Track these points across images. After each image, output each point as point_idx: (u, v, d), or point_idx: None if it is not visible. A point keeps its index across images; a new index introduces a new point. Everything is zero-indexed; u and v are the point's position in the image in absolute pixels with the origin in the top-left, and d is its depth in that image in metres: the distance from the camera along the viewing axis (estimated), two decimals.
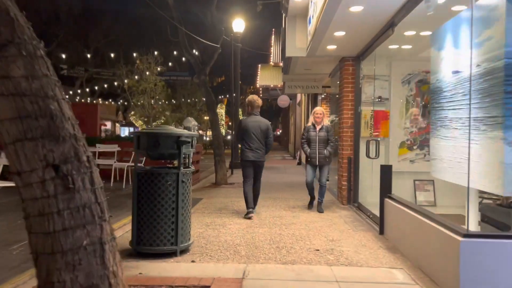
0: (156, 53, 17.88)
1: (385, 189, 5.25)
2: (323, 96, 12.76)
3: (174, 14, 11.02)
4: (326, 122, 6.85)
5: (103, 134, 27.19)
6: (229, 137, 42.37)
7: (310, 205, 7.18)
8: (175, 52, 17.05)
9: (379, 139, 6.80)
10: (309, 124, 6.88)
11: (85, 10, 26.45)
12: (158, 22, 17.82)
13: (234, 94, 15.80)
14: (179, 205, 4.27)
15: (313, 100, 13.54)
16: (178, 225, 4.27)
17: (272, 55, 15.46)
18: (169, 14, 11.14)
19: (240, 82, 35.31)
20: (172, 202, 4.24)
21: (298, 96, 21.28)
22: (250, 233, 5.32)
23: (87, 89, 27.57)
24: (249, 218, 6.20)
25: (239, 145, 6.85)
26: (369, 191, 7.44)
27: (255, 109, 6.51)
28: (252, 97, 6.74)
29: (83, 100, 28.25)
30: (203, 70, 11.43)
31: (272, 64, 15.48)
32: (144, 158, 8.49)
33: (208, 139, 46.26)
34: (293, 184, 10.90)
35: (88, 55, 24.42)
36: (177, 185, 4.25)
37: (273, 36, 16.75)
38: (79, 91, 27.43)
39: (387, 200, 5.19)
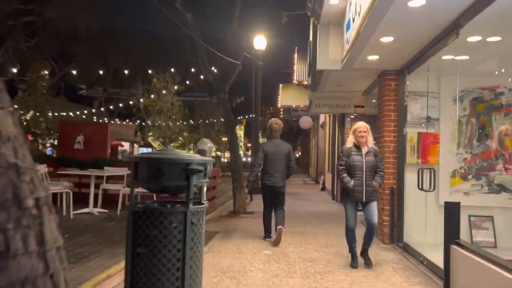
0: (172, 70, 17.14)
1: (452, 233, 4.09)
2: (352, 116, 11.68)
3: (192, 29, 10.25)
4: (371, 142, 5.12)
5: (119, 156, 26.53)
6: (249, 159, 41.46)
7: (354, 263, 5.08)
8: (193, 70, 16.28)
9: (433, 167, 5.66)
10: (349, 145, 5.13)
11: (105, 29, 26.20)
12: (178, 41, 17.31)
13: (254, 115, 14.86)
14: (187, 255, 3.21)
15: (340, 122, 12.47)
16: (184, 281, 3.20)
17: (295, 73, 14.58)
18: (188, 29, 10.37)
19: (260, 103, 34.59)
20: (177, 251, 3.18)
21: (321, 117, 20.23)
22: (278, 285, 4.21)
23: (102, 109, 27.07)
24: (276, 244, 6.08)
25: (254, 169, 6.66)
26: (416, 228, 6.26)
27: (275, 133, 6.47)
28: (273, 120, 6.69)
29: (100, 121, 27.78)
30: (223, 87, 10.54)
31: (296, 82, 14.59)
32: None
33: (226, 160, 45.46)
34: (320, 214, 9.73)
35: (103, 74, 24.00)
36: (184, 228, 3.20)
37: (296, 54, 15.95)
38: (94, 110, 26.92)
39: (454, 248, 4.03)
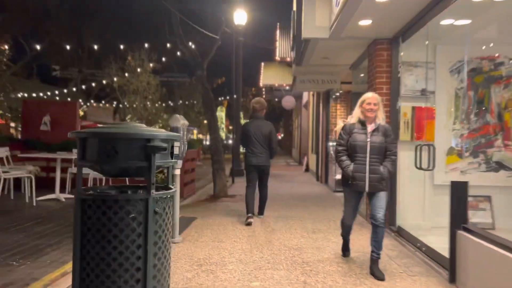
0: (146, 45, 16.14)
1: (459, 217, 3.61)
2: (338, 94, 11.14)
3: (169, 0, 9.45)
4: (382, 118, 4.11)
5: None
6: (230, 141, 40.83)
7: (346, 252, 4.53)
8: (168, 45, 15.38)
9: (433, 143, 5.16)
10: (353, 121, 4.17)
11: (78, 4, 24.79)
12: (156, 16, 16.31)
13: (235, 96, 14.21)
14: (149, 252, 2.62)
15: (325, 100, 11.94)
16: (147, 283, 2.62)
17: (277, 50, 13.93)
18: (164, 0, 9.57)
19: (242, 83, 33.81)
20: (137, 247, 2.59)
21: (305, 97, 19.68)
22: (261, 279, 3.67)
23: (74, 89, 25.69)
24: (249, 224, 6.02)
25: (242, 150, 6.84)
26: (410, 210, 5.81)
27: (258, 112, 6.43)
28: (254, 100, 6.70)
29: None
30: (201, 64, 9.83)
31: (278, 59, 13.94)
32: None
33: (207, 143, 44.75)
34: (305, 196, 9.24)
35: (78, 54, 22.79)
36: (146, 219, 2.61)
37: (278, 31, 15.25)
38: (66, 91, 25.55)
39: (462, 233, 3.55)
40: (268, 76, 17.38)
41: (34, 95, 23.81)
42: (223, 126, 40.41)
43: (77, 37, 26.56)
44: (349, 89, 11.02)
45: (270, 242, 4.99)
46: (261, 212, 6.68)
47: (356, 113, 4.16)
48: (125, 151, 2.60)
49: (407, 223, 5.72)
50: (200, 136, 70.66)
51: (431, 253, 4.36)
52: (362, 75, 7.98)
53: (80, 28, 26.26)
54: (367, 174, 3.95)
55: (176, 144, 4.82)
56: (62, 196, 7.70)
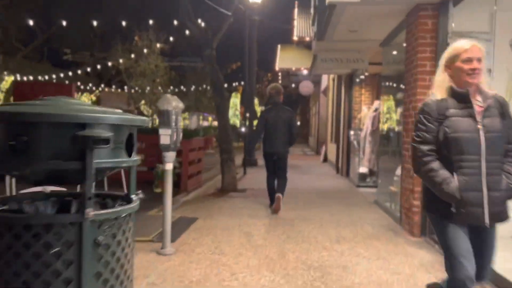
0: (152, 23, 15.01)
1: None
2: (363, 77, 9.97)
3: None
4: (488, 86, 2.34)
5: None
6: (243, 129, 39.94)
7: None
8: (175, 22, 14.36)
9: None
10: (442, 95, 2.32)
11: None
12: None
13: (248, 79, 13.12)
14: None
15: (347, 84, 10.78)
16: None
17: (295, 29, 12.79)
18: None
19: (256, 68, 32.63)
20: None
21: (323, 82, 18.46)
22: None
23: (79, 72, 24.80)
24: (275, 211, 5.92)
25: (254, 136, 6.84)
26: None
27: (274, 98, 6.26)
28: (272, 85, 6.56)
29: (88, 88, 25.90)
30: (210, 42, 8.79)
31: (296, 39, 12.80)
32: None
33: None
34: (325, 191, 8.18)
35: (89, 37, 21.93)
36: (79, 255, 1.61)
37: (296, 9, 14.09)
38: (77, 73, 24.78)
39: None
40: (285, 60, 16.23)
41: (46, 77, 23.12)
42: (237, 113, 39.41)
43: (88, 19, 25.76)
44: (377, 71, 9.84)
45: (284, 257, 3.98)
46: (280, 190, 6.11)
47: (442, 80, 2.35)
48: (43, 144, 1.59)
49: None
50: (216, 123, 70.15)
51: (497, 279, 3.29)
52: (394, 52, 6.82)
53: (90, 10, 25.43)
54: (485, 193, 2.22)
55: (164, 132, 3.84)
56: None
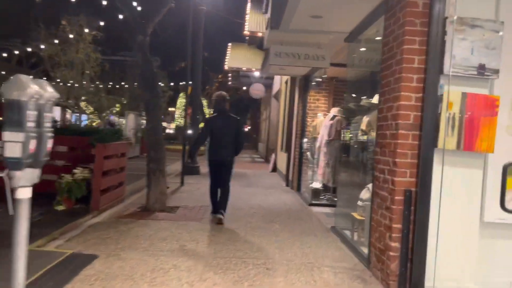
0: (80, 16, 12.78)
1: None
2: (320, 79, 8.81)
3: None
4: None
5: None
6: (190, 131, 38.14)
7: None
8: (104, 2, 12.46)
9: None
10: None
11: None
12: None
13: (191, 74, 11.68)
14: None
15: (302, 88, 9.59)
16: None
17: (247, 23, 11.51)
18: None
19: (206, 68, 31.00)
20: None
21: (275, 85, 17.30)
22: None
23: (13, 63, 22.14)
24: (220, 222, 5.69)
25: (197, 142, 6.51)
26: (446, 263, 3.53)
27: (219, 105, 6.18)
28: (218, 93, 6.42)
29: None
30: (143, 28, 7.23)
31: (248, 33, 11.50)
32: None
33: (171, 131, 41.66)
34: (273, 212, 6.83)
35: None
36: None
37: (249, 3, 12.84)
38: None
39: None
40: (235, 59, 14.88)
41: None
42: (184, 114, 37.58)
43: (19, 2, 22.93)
44: (335, 74, 8.72)
45: None
46: (222, 207, 5.96)
47: None
48: None
49: (442, 284, 3.45)
50: (164, 124, 67.06)
51: None
52: (363, 49, 5.64)
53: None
54: None
55: (10, 137, 2.32)
56: None
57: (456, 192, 3.52)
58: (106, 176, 6.17)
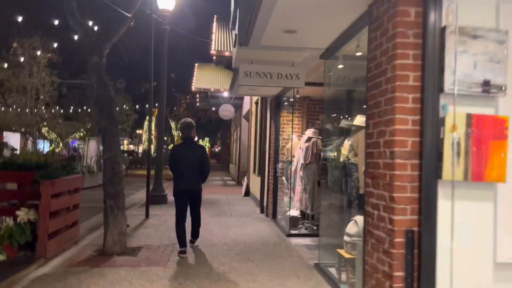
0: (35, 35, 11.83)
1: None
2: (291, 99, 8.31)
3: None
4: None
5: (6, 152, 20.66)
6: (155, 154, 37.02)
7: None
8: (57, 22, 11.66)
9: None
10: None
11: None
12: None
13: (149, 94, 11.03)
14: None
15: (274, 108, 9.08)
16: None
17: (213, 42, 10.99)
18: None
19: (173, 89, 30.28)
20: None
21: (245, 105, 16.80)
22: None
23: None
24: (182, 257, 5.47)
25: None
26: None
27: (186, 133, 5.99)
28: (183, 121, 6.22)
29: None
30: (99, 48, 6.55)
31: (214, 52, 10.97)
32: None
33: (139, 154, 40.30)
34: (248, 247, 6.15)
35: None
36: None
37: (215, 23, 12.37)
38: None
39: None
40: (203, 79, 14.32)
41: None
42: (152, 137, 36.39)
43: None
44: (308, 93, 8.26)
45: None
46: (194, 236, 6.16)
47: None
48: None
49: None
50: (131, 147, 65.18)
51: None
52: (341, 66, 5.16)
53: None
54: None
55: None
56: None
57: (465, 229, 2.98)
58: (56, 217, 5.36)
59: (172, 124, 35.10)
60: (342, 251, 4.54)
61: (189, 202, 5.88)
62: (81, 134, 24.79)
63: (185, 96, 31.73)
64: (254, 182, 12.13)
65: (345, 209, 5.06)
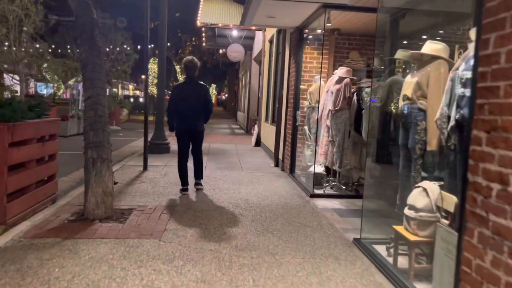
0: None
1: None
2: (320, 31, 6.80)
3: None
4: None
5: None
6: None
7: None
8: None
9: None
10: None
11: None
12: None
13: (145, 37, 9.54)
14: None
15: (295, 43, 7.57)
16: None
17: None
18: None
19: (178, 30, 28.24)
20: None
21: (256, 46, 15.17)
22: None
23: None
24: (184, 194, 5.58)
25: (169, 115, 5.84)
26: None
27: (189, 72, 5.84)
28: (187, 58, 5.98)
29: None
30: None
31: None
32: None
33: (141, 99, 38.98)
34: (264, 210, 4.94)
35: None
36: None
37: None
38: None
39: None
40: (209, 14, 12.64)
41: None
42: (155, 81, 34.73)
43: None
44: (339, 25, 6.75)
45: None
46: (197, 177, 5.95)
47: None
48: None
49: None
50: (137, 92, 63.37)
51: None
52: None
53: None
54: None
55: None
56: None
57: None
58: (19, 172, 4.12)
59: (177, 68, 33.40)
60: (401, 229, 3.30)
61: (190, 141, 5.81)
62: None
63: (191, 37, 29.79)
64: (267, 131, 10.84)
65: (400, 171, 3.77)
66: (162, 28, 10.12)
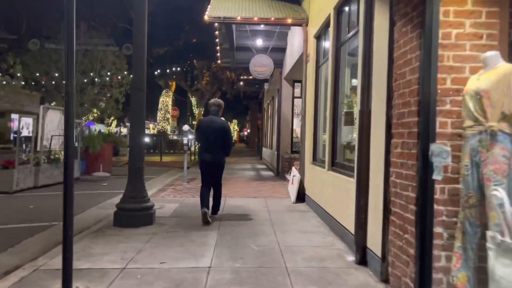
0: None
1: None
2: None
3: None
4: None
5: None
6: (174, 136, 31.48)
7: None
8: None
9: None
10: None
11: None
12: None
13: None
14: None
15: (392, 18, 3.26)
16: None
17: None
18: None
19: (196, 63, 24.52)
20: None
21: (289, 61, 10.98)
22: None
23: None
24: (206, 221, 5.67)
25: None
26: None
27: (212, 108, 6.30)
28: (214, 100, 6.50)
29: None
30: None
31: None
32: None
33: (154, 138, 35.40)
34: None
35: None
36: None
37: None
38: None
39: None
40: (223, 5, 8.61)
41: None
42: (168, 116, 30.96)
43: None
44: None
45: None
46: (214, 211, 6.25)
47: None
48: None
49: None
50: (151, 127, 59.87)
51: None
52: None
53: None
54: None
55: None
56: None
57: None
58: None
59: (193, 100, 29.67)
60: None
61: (211, 172, 6.03)
62: (95, 115, 19.85)
63: (209, 63, 26.09)
64: (321, 180, 6.29)
65: None
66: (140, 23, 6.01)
